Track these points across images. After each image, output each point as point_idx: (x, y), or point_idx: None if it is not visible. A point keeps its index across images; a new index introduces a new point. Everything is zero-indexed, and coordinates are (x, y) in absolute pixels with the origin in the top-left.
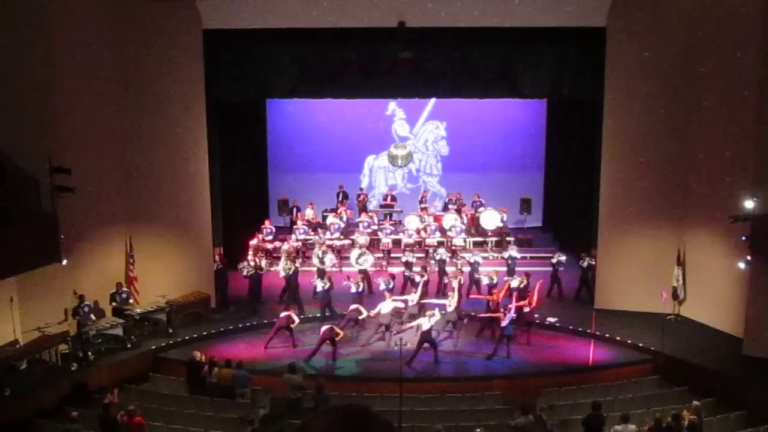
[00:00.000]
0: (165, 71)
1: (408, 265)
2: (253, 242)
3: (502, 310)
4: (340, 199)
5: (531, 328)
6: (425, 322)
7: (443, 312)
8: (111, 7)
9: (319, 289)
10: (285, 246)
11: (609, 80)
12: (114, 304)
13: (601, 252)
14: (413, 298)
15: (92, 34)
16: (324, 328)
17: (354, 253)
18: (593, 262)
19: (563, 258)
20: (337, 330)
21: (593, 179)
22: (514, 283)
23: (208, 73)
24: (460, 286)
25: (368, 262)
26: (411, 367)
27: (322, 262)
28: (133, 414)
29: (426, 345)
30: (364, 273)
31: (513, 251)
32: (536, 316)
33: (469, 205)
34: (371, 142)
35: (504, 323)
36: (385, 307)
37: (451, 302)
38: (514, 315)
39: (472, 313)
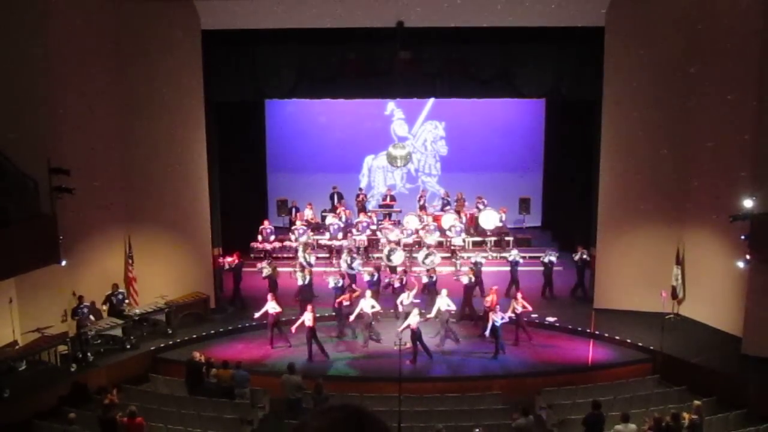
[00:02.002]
0: (163, 72)
1: (477, 265)
2: (303, 239)
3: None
4: (335, 200)
5: (524, 329)
6: (413, 319)
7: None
8: (109, 8)
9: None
10: (346, 242)
11: (607, 79)
12: (104, 306)
13: (600, 251)
14: (408, 297)
15: (90, 35)
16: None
17: (421, 253)
18: (586, 257)
19: (554, 257)
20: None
21: (592, 179)
22: (464, 279)
23: (207, 74)
24: (465, 286)
25: (435, 262)
26: (415, 364)
27: (350, 267)
28: (133, 415)
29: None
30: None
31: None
32: (534, 316)
33: (472, 205)
34: (370, 142)
35: (498, 322)
36: (366, 304)
37: (443, 302)
38: (512, 315)
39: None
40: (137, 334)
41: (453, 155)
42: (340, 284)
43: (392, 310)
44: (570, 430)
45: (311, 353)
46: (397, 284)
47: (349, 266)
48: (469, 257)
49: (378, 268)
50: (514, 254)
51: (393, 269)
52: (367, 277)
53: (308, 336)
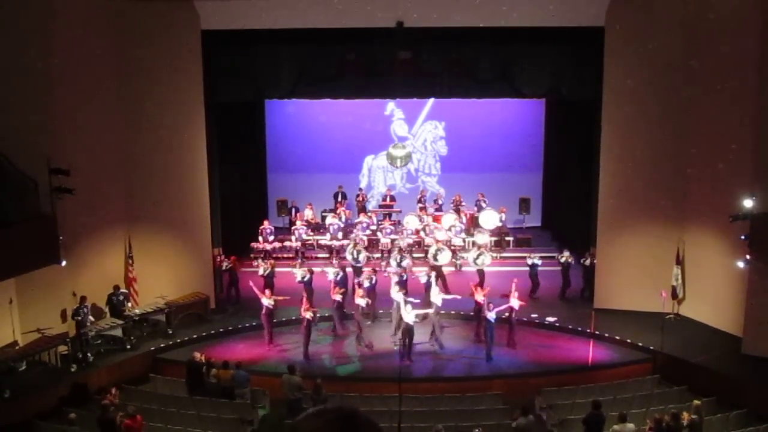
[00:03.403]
0: (164, 72)
1: (533, 267)
2: (353, 236)
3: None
4: (339, 199)
5: (513, 329)
6: (406, 317)
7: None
8: (109, 9)
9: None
10: (399, 241)
11: (607, 79)
12: (107, 307)
13: (600, 251)
14: (399, 297)
15: (91, 35)
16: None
17: (472, 253)
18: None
19: (538, 261)
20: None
21: (592, 178)
22: (423, 279)
23: (207, 74)
24: (424, 284)
25: (486, 262)
26: (411, 361)
27: (399, 264)
28: (133, 415)
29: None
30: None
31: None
32: (534, 316)
33: (472, 206)
34: (370, 142)
35: (492, 319)
36: (361, 303)
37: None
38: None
39: (472, 314)
40: (137, 335)
41: (453, 155)
42: (306, 279)
43: (364, 312)
44: (570, 430)
45: (307, 353)
46: (366, 284)
47: (398, 265)
48: (525, 258)
49: (343, 268)
50: (566, 256)
51: (567, 272)
52: (330, 276)
53: (305, 332)
